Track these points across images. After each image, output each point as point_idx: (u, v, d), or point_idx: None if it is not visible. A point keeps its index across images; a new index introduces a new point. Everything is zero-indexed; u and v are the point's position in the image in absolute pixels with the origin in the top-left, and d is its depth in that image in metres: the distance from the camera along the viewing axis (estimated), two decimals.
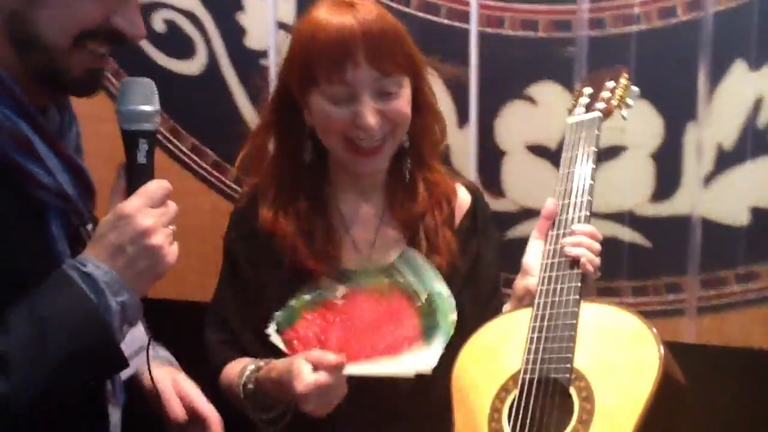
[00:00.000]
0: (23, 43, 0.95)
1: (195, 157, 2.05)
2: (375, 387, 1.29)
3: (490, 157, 1.89)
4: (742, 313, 1.85)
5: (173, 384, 1.22)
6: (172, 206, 1.00)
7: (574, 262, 1.24)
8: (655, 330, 1.12)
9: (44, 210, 1.00)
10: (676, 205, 1.82)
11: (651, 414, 1.04)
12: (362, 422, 1.32)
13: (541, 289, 1.23)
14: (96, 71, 1.00)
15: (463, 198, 1.47)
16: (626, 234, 1.86)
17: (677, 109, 1.78)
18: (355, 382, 1.24)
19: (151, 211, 0.96)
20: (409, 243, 1.40)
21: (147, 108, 1.01)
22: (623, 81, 1.46)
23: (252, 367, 1.32)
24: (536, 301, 1.22)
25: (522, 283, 1.31)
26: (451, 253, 1.38)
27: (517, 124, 1.87)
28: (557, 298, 1.20)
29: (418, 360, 1.24)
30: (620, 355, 1.12)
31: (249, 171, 1.46)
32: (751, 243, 1.79)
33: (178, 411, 1.19)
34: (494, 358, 1.21)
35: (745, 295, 1.84)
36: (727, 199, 1.78)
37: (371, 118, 1.28)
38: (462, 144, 1.89)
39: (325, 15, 1.29)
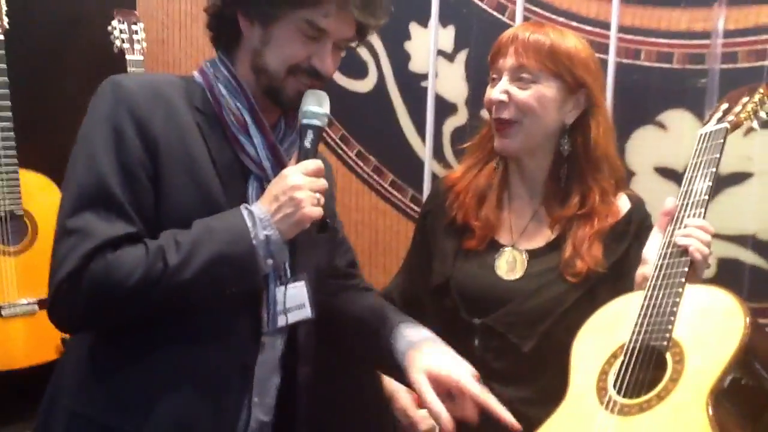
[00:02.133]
0: (257, 70, 1.25)
1: (359, 162, 2.25)
2: (500, 347, 1.44)
3: None
4: None
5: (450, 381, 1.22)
6: (322, 180, 1.22)
7: (684, 251, 1.29)
8: (745, 307, 1.17)
9: (248, 175, 1.26)
10: None
11: (729, 376, 1.10)
12: (491, 379, 1.41)
13: (655, 274, 1.29)
14: (303, 93, 1.27)
15: (623, 205, 1.54)
16: (749, 257, 1.85)
17: None
18: (482, 346, 1.41)
19: (302, 176, 1.20)
20: (556, 239, 1.51)
21: (316, 109, 1.25)
22: (757, 95, 1.45)
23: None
24: (650, 284, 1.28)
25: (641, 271, 1.37)
26: (596, 262, 1.46)
27: (647, 147, 1.93)
28: (667, 281, 1.26)
29: None
30: (713, 327, 1.17)
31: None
32: None
33: (448, 425, 1.19)
34: (609, 331, 1.28)
35: None
36: None
37: (497, 93, 1.48)
38: None
39: None
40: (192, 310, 1.19)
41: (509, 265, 1.52)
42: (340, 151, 2.24)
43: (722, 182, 1.86)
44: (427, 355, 1.26)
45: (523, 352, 1.45)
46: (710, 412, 1.07)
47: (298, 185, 1.18)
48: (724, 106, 1.49)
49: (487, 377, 1.37)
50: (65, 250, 1.13)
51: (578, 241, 1.48)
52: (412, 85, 2.16)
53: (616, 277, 1.48)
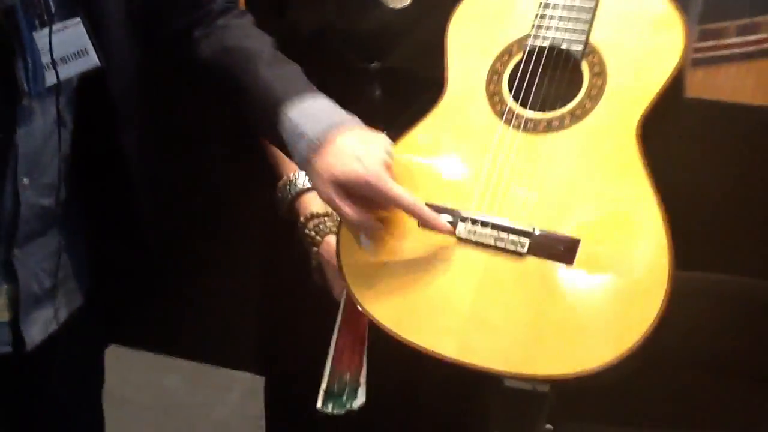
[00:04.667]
0: None
1: None
2: (407, 89, 1.13)
3: None
4: (737, 66, 1.64)
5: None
6: None
7: None
8: (682, 14, 0.91)
9: None
10: None
11: (660, 100, 0.88)
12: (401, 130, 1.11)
13: None
14: None
15: None
16: None
17: None
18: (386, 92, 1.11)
19: None
20: None
21: None
22: None
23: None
24: None
25: None
26: None
27: None
28: None
29: None
30: (642, 37, 0.91)
31: None
32: None
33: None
34: (496, 21, 0.99)
35: (742, 47, 1.63)
36: None
37: None
38: None
39: None
40: None
41: None
42: None
43: None
44: (330, 163, 0.91)
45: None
46: (639, 141, 0.84)
47: None
48: None
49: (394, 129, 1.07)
50: None
51: None
52: None
53: None
